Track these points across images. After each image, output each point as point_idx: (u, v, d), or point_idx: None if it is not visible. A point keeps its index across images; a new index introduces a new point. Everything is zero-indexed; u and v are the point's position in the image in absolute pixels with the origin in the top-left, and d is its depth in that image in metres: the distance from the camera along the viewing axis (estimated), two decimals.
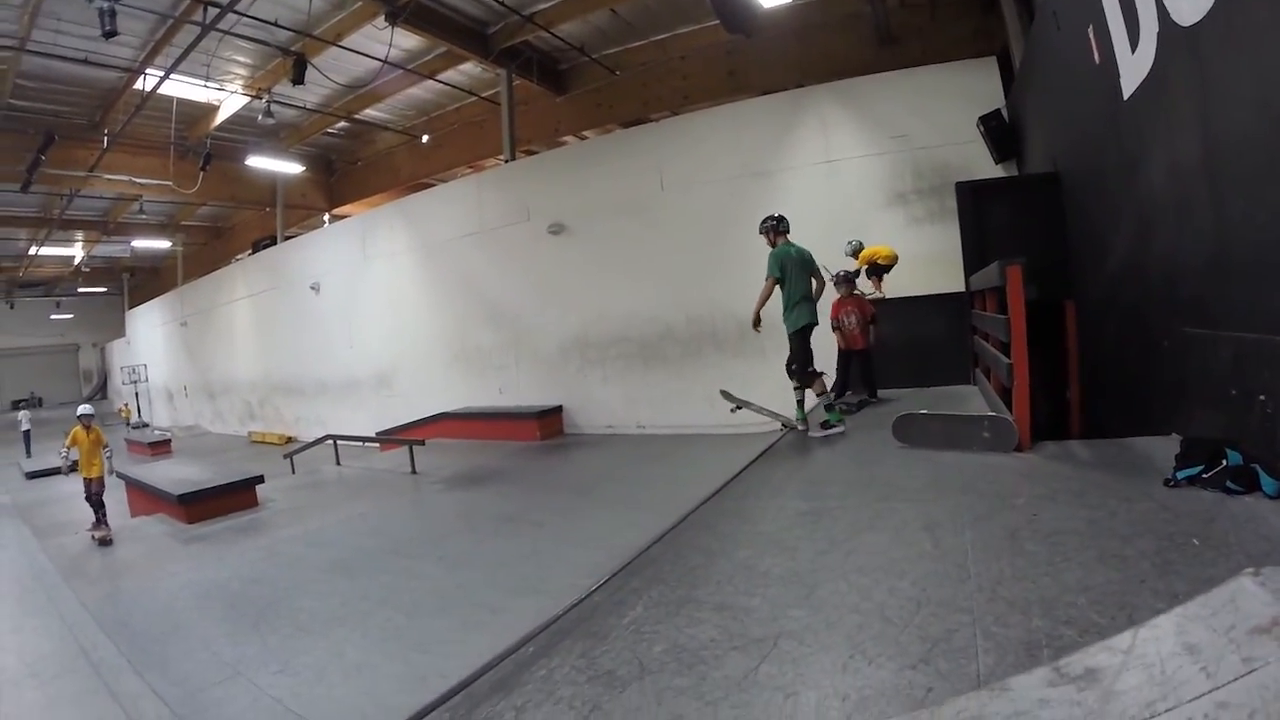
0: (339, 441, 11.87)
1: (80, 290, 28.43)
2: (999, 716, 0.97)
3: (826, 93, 9.93)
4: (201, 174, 14.20)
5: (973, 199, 6.52)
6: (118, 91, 12.12)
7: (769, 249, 5.07)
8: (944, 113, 8.84)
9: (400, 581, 5.15)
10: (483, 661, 2.06)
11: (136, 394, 25.00)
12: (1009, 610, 1.77)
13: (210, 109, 13.25)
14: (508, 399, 12.64)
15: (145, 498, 8.80)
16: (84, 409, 7.90)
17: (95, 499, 7.39)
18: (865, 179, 9.47)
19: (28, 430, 19.77)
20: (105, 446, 7.64)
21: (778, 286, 4.96)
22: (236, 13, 9.32)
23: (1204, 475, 2.43)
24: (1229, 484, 2.32)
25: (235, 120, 13.65)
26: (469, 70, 12.82)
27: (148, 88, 11.13)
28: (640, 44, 12.22)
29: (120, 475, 8.63)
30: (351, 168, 18.00)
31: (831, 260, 7.12)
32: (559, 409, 11.97)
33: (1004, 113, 8.36)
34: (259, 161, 14.82)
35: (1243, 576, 1.01)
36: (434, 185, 15.83)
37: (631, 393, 11.39)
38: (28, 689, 3.74)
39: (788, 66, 11.23)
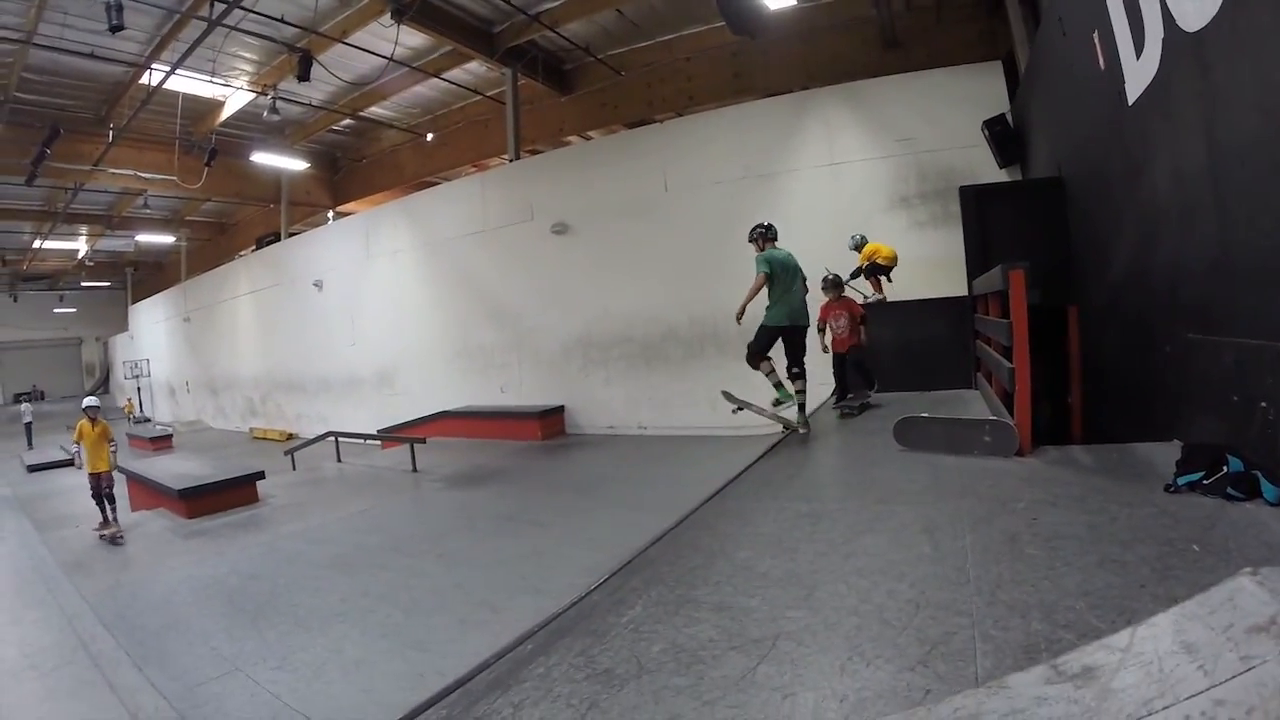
0: (340, 438, 11.88)
1: (84, 284, 28.51)
2: (996, 714, 0.97)
3: (831, 95, 9.94)
4: (206, 170, 14.28)
5: (976, 203, 6.52)
6: (123, 86, 12.16)
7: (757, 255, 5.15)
8: (948, 117, 8.85)
9: (400, 579, 5.16)
10: (481, 659, 2.06)
11: (139, 389, 25.07)
12: (1008, 613, 1.76)
13: (216, 105, 13.30)
14: (510, 398, 12.65)
15: (146, 492, 8.82)
16: (89, 401, 7.75)
17: (105, 494, 7.18)
18: (869, 182, 9.48)
19: (29, 423, 19.86)
20: (111, 440, 7.48)
21: (766, 285, 5.01)
22: (243, 8, 9.35)
23: (1205, 481, 2.42)
24: (1230, 490, 2.31)
25: (240, 116, 13.71)
26: (474, 69, 12.85)
27: (153, 83, 11.16)
28: (645, 45, 12.25)
29: (121, 469, 8.63)
30: (356, 165, 18.04)
31: (834, 258, 7.12)
32: (561, 409, 11.99)
33: (1008, 117, 8.37)
34: (264, 158, 14.89)
35: (1241, 576, 1.01)
36: (438, 184, 15.85)
37: (633, 393, 11.40)
38: (27, 680, 3.76)
39: (793, 69, 11.25)
